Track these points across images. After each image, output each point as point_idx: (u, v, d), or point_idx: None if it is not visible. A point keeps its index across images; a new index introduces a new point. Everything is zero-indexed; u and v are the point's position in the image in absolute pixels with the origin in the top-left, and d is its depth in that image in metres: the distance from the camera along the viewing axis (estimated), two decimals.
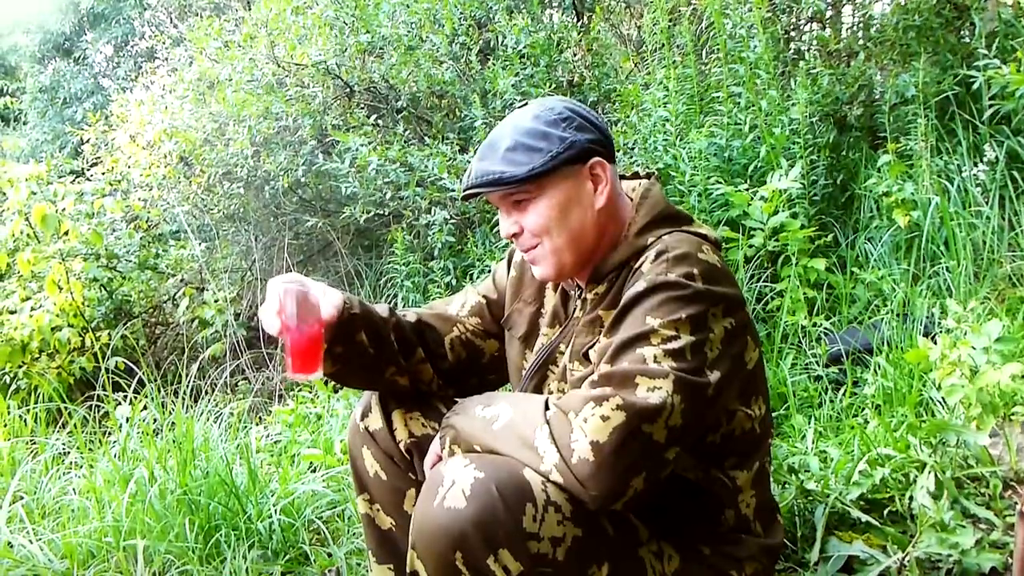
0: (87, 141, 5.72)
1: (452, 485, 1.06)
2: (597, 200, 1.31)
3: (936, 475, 1.74)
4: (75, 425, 2.64)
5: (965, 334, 1.74)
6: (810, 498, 1.83)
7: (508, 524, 1.04)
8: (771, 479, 1.49)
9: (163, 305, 5.27)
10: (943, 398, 1.83)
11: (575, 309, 1.38)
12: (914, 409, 1.97)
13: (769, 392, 1.37)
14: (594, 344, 1.28)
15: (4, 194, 4.21)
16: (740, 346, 1.22)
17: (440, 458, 1.29)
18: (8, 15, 11.85)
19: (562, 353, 1.37)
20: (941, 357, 1.66)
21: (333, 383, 2.89)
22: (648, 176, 1.39)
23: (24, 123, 10.75)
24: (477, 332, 1.53)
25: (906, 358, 1.96)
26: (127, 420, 2.55)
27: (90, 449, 2.55)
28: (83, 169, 5.25)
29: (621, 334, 1.16)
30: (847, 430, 2.10)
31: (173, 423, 2.37)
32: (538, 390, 1.41)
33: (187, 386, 2.75)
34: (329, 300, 1.33)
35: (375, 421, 1.47)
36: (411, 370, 1.46)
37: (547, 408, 1.13)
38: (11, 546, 2.00)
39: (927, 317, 2.54)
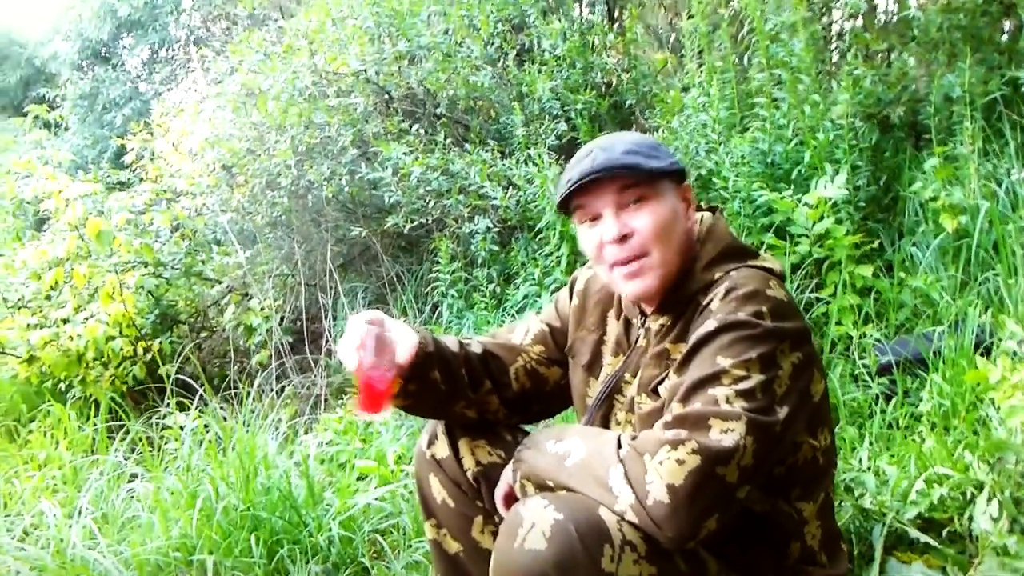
0: (131, 149, 5.84)
1: (532, 527, 1.09)
2: (687, 222, 1.34)
3: (995, 495, 1.74)
4: (137, 438, 2.73)
5: (1023, 359, 1.74)
6: (867, 517, 1.84)
7: (587, 565, 1.07)
8: (834, 508, 1.50)
9: (207, 311, 5.38)
10: (1002, 418, 1.82)
11: (638, 338, 1.41)
12: (971, 427, 1.96)
13: (832, 422, 1.38)
14: (663, 378, 1.30)
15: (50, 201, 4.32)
16: (807, 379, 1.24)
17: (511, 489, 1.33)
18: (47, 23, 12.11)
19: (628, 383, 1.40)
20: (1002, 379, 1.66)
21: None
22: (712, 210, 1.41)
23: (66, 129, 10.98)
24: (541, 360, 1.56)
25: (965, 379, 1.96)
26: (188, 432, 2.62)
27: (151, 460, 2.62)
28: (129, 180, 5.36)
29: (692, 373, 1.18)
30: (901, 445, 2.10)
31: (231, 434, 2.44)
32: (605, 420, 1.43)
33: (244, 394, 2.81)
34: (407, 342, 1.36)
35: (442, 449, 1.51)
36: (479, 401, 1.50)
37: (620, 447, 1.16)
38: (85, 561, 2.07)
39: (979, 327, 2.52)
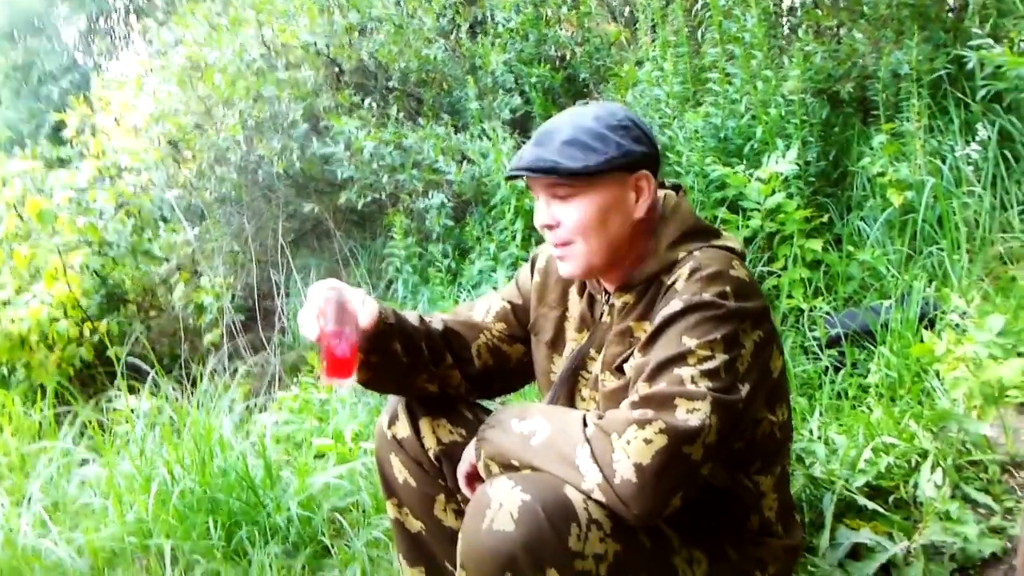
0: (70, 124, 5.63)
1: (500, 508, 1.10)
2: (636, 211, 1.34)
3: (939, 463, 1.81)
4: (86, 422, 2.67)
5: (966, 331, 1.80)
6: (817, 486, 1.89)
7: (555, 544, 1.08)
8: (789, 479, 1.54)
9: (156, 290, 5.26)
10: (946, 389, 1.89)
11: (602, 314, 1.41)
12: (916, 398, 2.03)
13: (789, 396, 1.41)
14: (627, 356, 1.31)
15: None
16: (767, 357, 1.26)
17: (474, 468, 1.33)
18: None
19: (592, 359, 1.41)
20: (946, 352, 1.71)
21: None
22: (676, 189, 1.42)
23: None
24: (503, 338, 1.56)
25: (912, 352, 2.02)
26: (141, 415, 2.57)
27: (103, 444, 2.57)
28: (69, 156, 5.18)
29: (658, 353, 1.20)
30: (850, 415, 2.16)
31: (186, 416, 2.40)
32: (570, 396, 1.44)
33: (197, 375, 2.76)
34: (367, 309, 1.35)
35: (402, 428, 1.51)
36: (441, 376, 1.50)
37: (586, 426, 1.17)
38: (36, 550, 2.03)
39: (923, 300, 2.59)
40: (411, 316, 1.49)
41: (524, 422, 1.25)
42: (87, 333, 3.94)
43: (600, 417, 1.18)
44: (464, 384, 1.53)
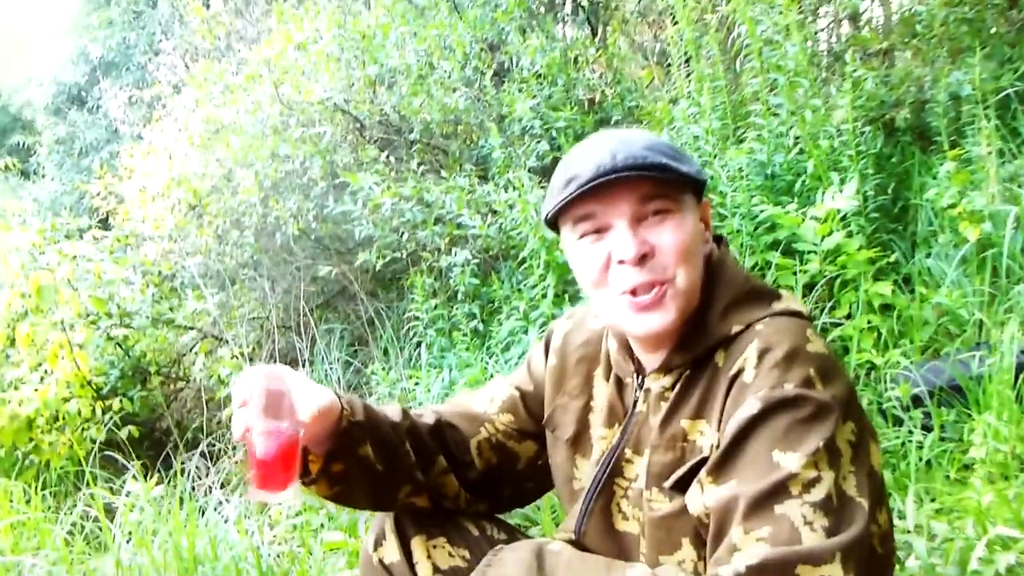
0: (96, 194, 5.58)
1: None
2: (706, 247, 1.06)
3: None
4: (83, 516, 2.42)
5: None
6: None
7: None
8: None
9: (182, 360, 5.09)
10: None
11: (636, 402, 1.11)
12: None
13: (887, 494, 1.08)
14: (685, 472, 1.00)
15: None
16: (866, 451, 0.95)
17: None
18: (20, 70, 11.91)
19: (630, 462, 1.10)
20: None
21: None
22: (717, 240, 1.11)
23: (42, 176, 10.74)
24: (510, 433, 1.26)
25: None
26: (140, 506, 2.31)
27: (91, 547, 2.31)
28: (90, 226, 5.09)
29: (747, 484, 0.90)
30: (949, 496, 1.79)
31: (175, 515, 2.13)
32: (606, 512, 1.13)
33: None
34: (313, 401, 1.05)
35: (391, 552, 1.21)
36: (431, 485, 1.20)
37: None
38: None
39: (1019, 348, 2.22)
40: (391, 411, 1.19)
41: None
42: (99, 412, 3.73)
43: None
44: (464, 494, 1.22)
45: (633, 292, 1.02)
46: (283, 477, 1.00)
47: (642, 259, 1.01)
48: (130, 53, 10.56)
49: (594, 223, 1.03)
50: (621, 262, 1.01)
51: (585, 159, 1.01)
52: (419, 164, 3.84)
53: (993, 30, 3.38)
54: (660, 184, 1.00)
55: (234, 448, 3.73)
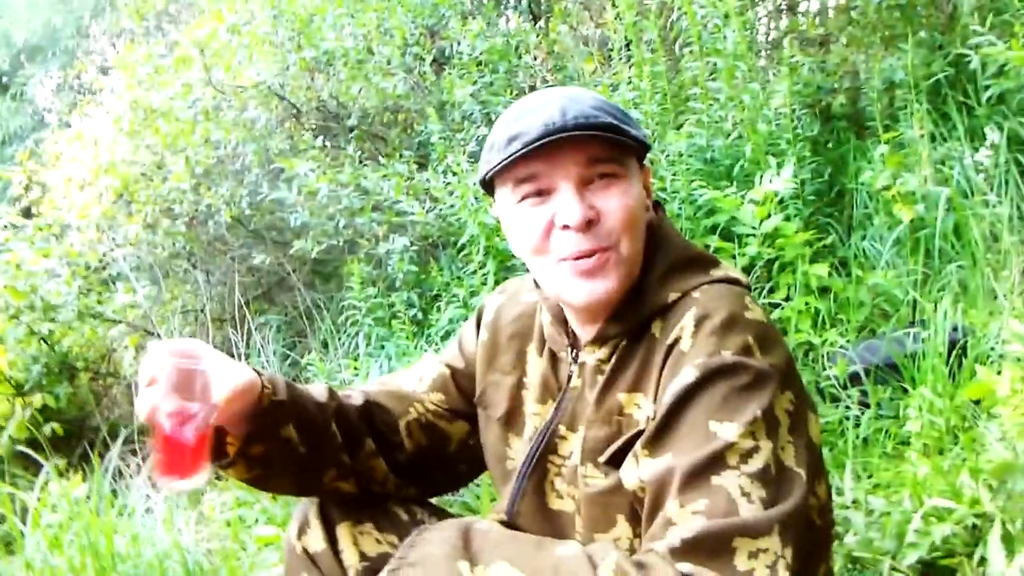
0: (18, 183, 5.32)
1: None
2: (648, 214, 1.02)
3: (1008, 529, 1.45)
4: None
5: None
6: (858, 564, 1.53)
7: None
8: None
9: (112, 355, 4.90)
10: (1005, 435, 1.54)
11: (570, 376, 1.07)
12: (970, 447, 1.67)
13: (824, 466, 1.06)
14: (620, 446, 0.96)
15: None
16: (805, 422, 0.92)
17: None
18: None
19: (564, 438, 1.05)
20: (1011, 392, 1.37)
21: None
22: (654, 207, 1.07)
23: None
24: (440, 413, 1.20)
25: (966, 394, 1.67)
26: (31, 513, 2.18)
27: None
28: (8, 214, 4.85)
29: (683, 455, 0.86)
30: (885, 470, 1.80)
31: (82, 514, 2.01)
32: (539, 490, 1.08)
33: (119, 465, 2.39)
34: (230, 380, 0.98)
35: (315, 540, 1.14)
36: (359, 469, 1.13)
37: None
38: None
39: (951, 326, 2.25)
40: (317, 390, 1.13)
41: (480, 568, 0.82)
42: (19, 409, 3.55)
43: (619, 568, 0.80)
44: (393, 478, 1.16)
45: (576, 259, 0.97)
46: (191, 462, 0.93)
47: (587, 225, 0.96)
48: (57, 37, 10.13)
49: (537, 184, 0.98)
50: (565, 227, 0.96)
51: (531, 116, 0.96)
52: (357, 151, 3.74)
53: (925, 18, 3.43)
54: (608, 146, 0.96)
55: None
